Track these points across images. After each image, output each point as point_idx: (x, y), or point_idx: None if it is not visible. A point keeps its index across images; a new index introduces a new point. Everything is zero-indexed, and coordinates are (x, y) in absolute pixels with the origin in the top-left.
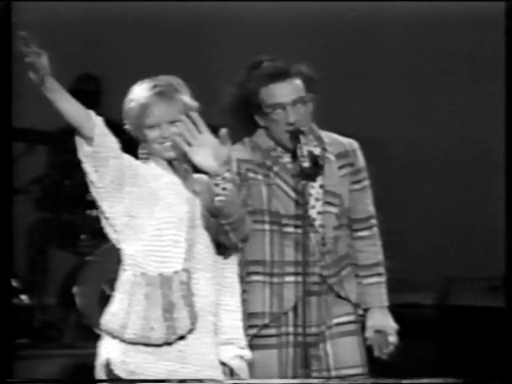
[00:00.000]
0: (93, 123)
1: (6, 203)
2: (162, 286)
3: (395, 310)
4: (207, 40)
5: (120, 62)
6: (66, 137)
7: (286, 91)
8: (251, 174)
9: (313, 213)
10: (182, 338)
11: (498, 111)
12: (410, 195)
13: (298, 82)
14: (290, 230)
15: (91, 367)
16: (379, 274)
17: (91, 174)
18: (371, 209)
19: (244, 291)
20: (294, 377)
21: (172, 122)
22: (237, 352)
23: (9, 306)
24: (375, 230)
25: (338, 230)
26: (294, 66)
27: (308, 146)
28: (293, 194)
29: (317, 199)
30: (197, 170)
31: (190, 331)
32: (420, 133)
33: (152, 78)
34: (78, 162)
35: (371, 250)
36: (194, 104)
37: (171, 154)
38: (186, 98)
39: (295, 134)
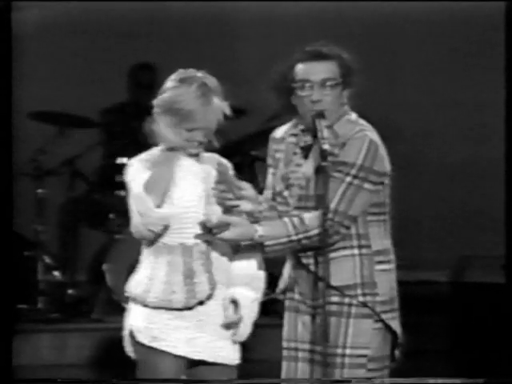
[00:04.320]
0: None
1: (6, 187)
2: (183, 254)
3: (410, 287)
4: (243, 34)
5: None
6: (100, 119)
7: (318, 70)
8: (278, 155)
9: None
10: (201, 303)
11: (498, 110)
12: (424, 178)
13: (333, 65)
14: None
15: (120, 340)
16: None
17: None
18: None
19: None
20: (303, 342)
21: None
22: (243, 290)
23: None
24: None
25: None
26: (335, 50)
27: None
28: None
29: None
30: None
31: (209, 297)
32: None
33: (189, 74)
34: (109, 144)
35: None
36: (227, 109)
37: (194, 151)
38: (220, 101)
39: (316, 116)
